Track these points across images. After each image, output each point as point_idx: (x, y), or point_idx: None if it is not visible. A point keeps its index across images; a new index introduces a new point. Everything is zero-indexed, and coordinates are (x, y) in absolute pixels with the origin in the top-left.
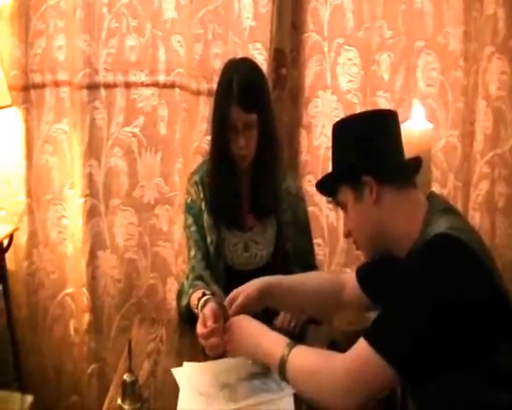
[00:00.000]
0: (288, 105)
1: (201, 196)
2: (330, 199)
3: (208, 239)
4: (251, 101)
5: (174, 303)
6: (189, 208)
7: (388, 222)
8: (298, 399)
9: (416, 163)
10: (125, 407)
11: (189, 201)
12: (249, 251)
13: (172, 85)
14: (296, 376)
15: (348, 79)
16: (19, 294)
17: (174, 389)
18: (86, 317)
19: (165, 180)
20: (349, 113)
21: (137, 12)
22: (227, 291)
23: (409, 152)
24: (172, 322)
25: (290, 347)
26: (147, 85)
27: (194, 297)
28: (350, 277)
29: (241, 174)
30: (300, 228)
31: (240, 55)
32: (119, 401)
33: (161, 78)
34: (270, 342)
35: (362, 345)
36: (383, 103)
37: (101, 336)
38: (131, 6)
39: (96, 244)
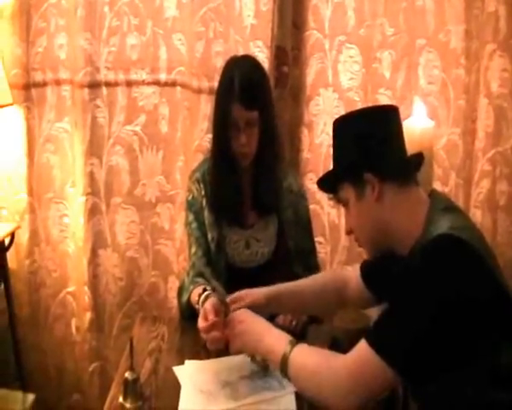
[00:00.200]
0: (290, 103)
1: (202, 193)
2: (331, 196)
3: (209, 236)
4: (252, 98)
5: (175, 301)
6: (190, 205)
7: (390, 220)
8: (299, 397)
9: (418, 160)
10: (127, 405)
11: (190, 198)
12: (250, 248)
13: (174, 84)
14: (298, 374)
15: (349, 77)
16: (20, 292)
17: (176, 388)
18: (88, 315)
19: (166, 178)
20: (350, 110)
21: (139, 10)
22: (228, 288)
23: (410, 150)
24: (174, 320)
25: (292, 344)
26: (148, 84)
27: (195, 293)
28: (353, 273)
29: (243, 172)
30: (302, 226)
31: (241, 53)
32: (120, 400)
33: (162, 76)
34: (273, 338)
35: (363, 346)
36: (384, 101)
37: (102, 335)
38: (133, 4)
39: (97, 243)
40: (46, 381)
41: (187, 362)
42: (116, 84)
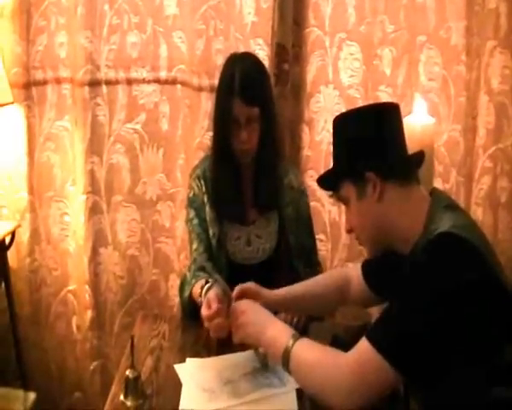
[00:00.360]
0: (290, 100)
1: (203, 189)
2: (331, 194)
3: (210, 232)
4: (253, 94)
5: (177, 299)
6: (192, 202)
7: (391, 218)
8: (300, 394)
9: (419, 158)
10: (128, 403)
11: (191, 195)
12: (251, 245)
13: (174, 82)
14: (299, 368)
15: (350, 74)
16: (21, 291)
17: (177, 385)
18: (89, 314)
19: (167, 176)
20: (351, 108)
21: (139, 8)
22: (229, 285)
23: (411, 147)
24: (175, 318)
25: (295, 338)
26: (148, 82)
27: (197, 286)
28: (355, 272)
29: (243, 169)
30: (302, 223)
31: (241, 50)
32: (121, 398)
33: (163, 74)
34: (276, 331)
35: (364, 345)
36: (385, 98)
37: (103, 333)
38: (133, 2)
39: (98, 241)
40: (47, 379)
41: (188, 360)
42: (116, 82)
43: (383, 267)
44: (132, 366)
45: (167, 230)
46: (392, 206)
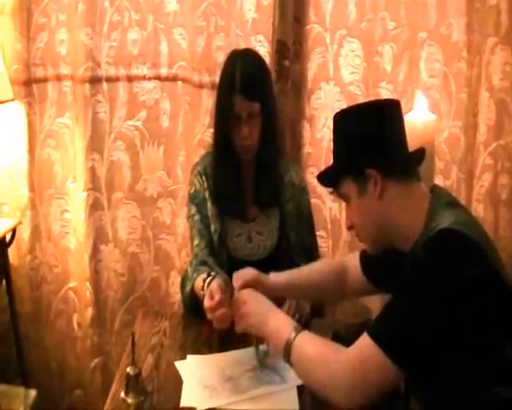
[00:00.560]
0: (291, 97)
1: (205, 185)
2: (332, 191)
3: (212, 228)
4: (254, 89)
5: (177, 296)
6: (193, 198)
7: (392, 216)
8: (301, 391)
9: (420, 155)
10: (129, 400)
11: (192, 191)
12: (252, 242)
13: (175, 78)
14: (300, 362)
15: (351, 71)
16: (22, 288)
17: (178, 383)
18: (89, 311)
19: (167, 173)
20: (352, 104)
21: (139, 5)
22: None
23: (412, 143)
24: (176, 315)
25: (297, 331)
26: (149, 79)
27: (199, 280)
28: (353, 261)
29: (244, 166)
30: (303, 220)
31: (242, 47)
32: (122, 395)
33: (164, 71)
34: (278, 322)
35: (365, 341)
36: (386, 95)
37: (104, 330)
38: None
39: (98, 238)
40: (48, 377)
41: (189, 357)
42: (117, 79)
43: (382, 260)
44: (133, 364)
45: (168, 227)
46: (393, 203)
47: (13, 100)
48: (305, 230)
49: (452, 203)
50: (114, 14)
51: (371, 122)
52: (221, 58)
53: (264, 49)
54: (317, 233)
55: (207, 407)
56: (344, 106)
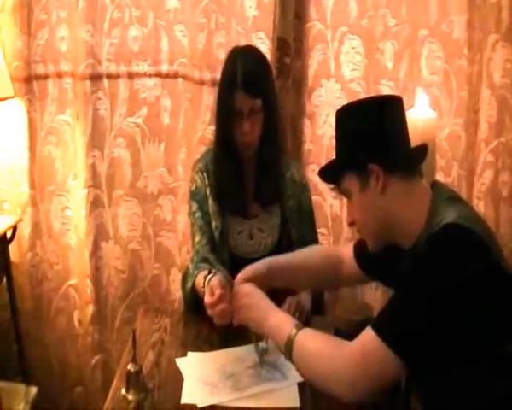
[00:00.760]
0: (292, 94)
1: (206, 182)
2: (333, 186)
3: (213, 225)
4: (255, 86)
5: (178, 294)
6: (194, 195)
7: (394, 211)
8: (302, 388)
9: (422, 151)
10: (130, 397)
11: (193, 187)
12: (254, 239)
13: (175, 75)
14: (302, 357)
15: (352, 68)
16: (22, 286)
17: (178, 379)
18: (90, 308)
19: (168, 171)
20: None
21: (140, 2)
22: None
23: (413, 141)
24: (176, 312)
25: (298, 327)
26: (150, 76)
27: (200, 277)
28: (347, 250)
29: (245, 163)
30: (304, 217)
31: (243, 44)
32: (123, 392)
33: (164, 68)
34: (279, 319)
35: (368, 335)
36: (387, 92)
37: (105, 328)
38: None
39: (99, 235)
40: (49, 374)
41: (190, 354)
42: (118, 76)
43: (376, 254)
44: (134, 361)
45: (168, 224)
46: (395, 199)
47: (13, 97)
48: (306, 227)
49: (454, 198)
50: (115, 11)
51: (372, 118)
52: (222, 55)
53: (264, 47)
54: (318, 230)
55: (208, 404)
56: (345, 103)
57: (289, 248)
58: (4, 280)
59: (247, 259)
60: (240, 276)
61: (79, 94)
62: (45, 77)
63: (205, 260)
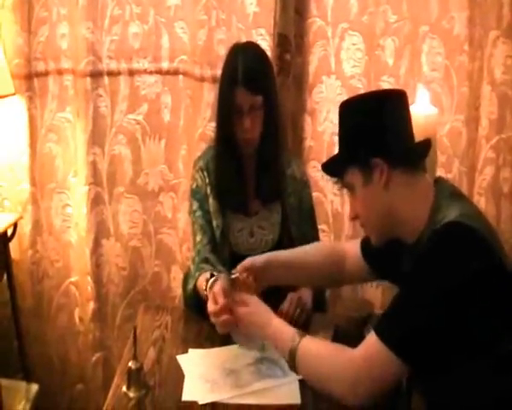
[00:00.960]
0: (292, 91)
1: (207, 181)
2: (336, 180)
3: (214, 224)
4: (256, 82)
5: (179, 291)
6: (195, 193)
7: (397, 206)
8: (303, 385)
9: (426, 146)
10: (131, 394)
11: (194, 186)
12: (254, 236)
13: (176, 72)
14: (306, 363)
15: (352, 65)
16: (23, 283)
17: (179, 376)
18: (91, 305)
19: (169, 167)
20: None
21: None
22: None
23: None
24: (177, 309)
25: (301, 335)
26: (150, 73)
27: (202, 279)
28: (351, 246)
29: (246, 160)
30: (305, 214)
31: (244, 40)
32: (124, 389)
33: (165, 65)
34: (281, 325)
35: (372, 338)
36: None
37: (105, 325)
38: None
39: (100, 232)
40: (49, 371)
41: (190, 351)
42: (118, 73)
43: (384, 249)
44: (135, 358)
45: (169, 221)
46: (399, 193)
47: (14, 94)
48: (307, 224)
49: (456, 195)
50: (115, 8)
51: (372, 113)
52: (222, 52)
53: (265, 43)
54: (319, 227)
55: (209, 401)
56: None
57: (290, 245)
58: (5, 277)
59: (248, 256)
60: (239, 266)
61: (80, 91)
62: (46, 74)
63: (206, 260)
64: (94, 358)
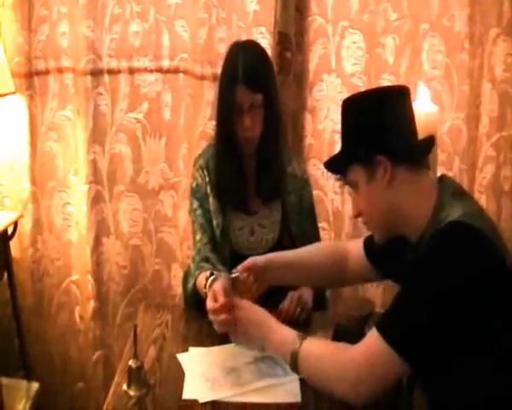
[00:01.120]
0: (293, 89)
1: (207, 180)
2: (338, 178)
3: (214, 223)
4: (256, 80)
5: (179, 289)
6: (195, 192)
7: (400, 203)
8: (304, 383)
9: (429, 143)
10: (131, 392)
11: (194, 185)
12: (255, 235)
13: (176, 70)
14: (308, 366)
15: (353, 63)
16: (24, 281)
17: (180, 375)
18: (91, 304)
19: (169, 166)
20: None
21: None
22: None
23: None
24: (178, 307)
25: (301, 338)
26: (151, 71)
27: (202, 277)
28: (354, 246)
29: (247, 158)
30: (305, 212)
31: (244, 39)
32: (124, 387)
33: (165, 63)
34: (281, 330)
35: (373, 336)
36: None
37: (106, 323)
38: None
39: (100, 231)
40: (50, 370)
41: (191, 349)
42: (118, 71)
43: (387, 247)
44: (135, 356)
45: (170, 219)
46: (402, 190)
47: (14, 93)
48: (307, 222)
49: (460, 193)
50: (116, 7)
51: (371, 110)
52: (223, 50)
53: (265, 41)
54: (319, 225)
55: (209, 400)
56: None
57: (291, 244)
58: (5, 276)
59: (248, 255)
60: (240, 266)
61: (80, 89)
62: (46, 72)
63: (206, 259)
64: (94, 356)
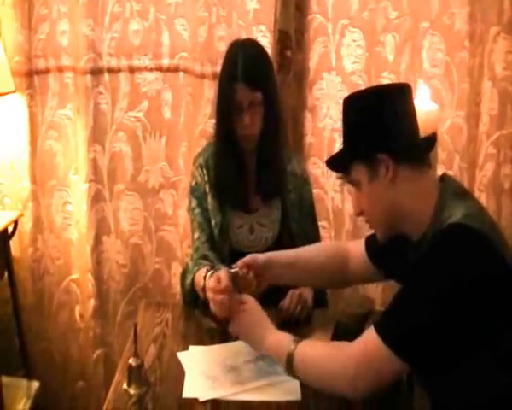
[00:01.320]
0: (293, 87)
1: (206, 178)
2: (340, 176)
3: (213, 222)
4: (256, 78)
5: (179, 287)
6: (194, 191)
7: (403, 202)
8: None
9: (431, 141)
10: (131, 391)
11: (193, 183)
12: (254, 233)
13: (176, 69)
14: (304, 367)
15: (353, 61)
16: (24, 280)
17: (180, 373)
18: (92, 302)
19: (169, 164)
20: None
21: None
22: None
23: None
24: (178, 306)
25: (296, 341)
26: (151, 70)
27: (200, 274)
28: (355, 247)
29: (246, 156)
30: (305, 210)
31: (244, 37)
32: (125, 386)
33: (165, 62)
34: (276, 333)
35: (370, 335)
36: None
37: (106, 322)
38: None
39: (100, 230)
40: (51, 368)
41: (191, 348)
42: (119, 70)
43: (389, 246)
44: (135, 355)
45: (170, 218)
46: (404, 189)
47: (14, 92)
48: (307, 220)
49: (461, 193)
50: (116, 6)
51: (371, 109)
52: (223, 48)
53: (265, 40)
54: (319, 224)
55: (210, 398)
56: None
57: (291, 242)
58: (6, 275)
59: (248, 253)
60: (240, 262)
61: (80, 88)
62: (46, 71)
63: (204, 257)
64: (95, 355)
